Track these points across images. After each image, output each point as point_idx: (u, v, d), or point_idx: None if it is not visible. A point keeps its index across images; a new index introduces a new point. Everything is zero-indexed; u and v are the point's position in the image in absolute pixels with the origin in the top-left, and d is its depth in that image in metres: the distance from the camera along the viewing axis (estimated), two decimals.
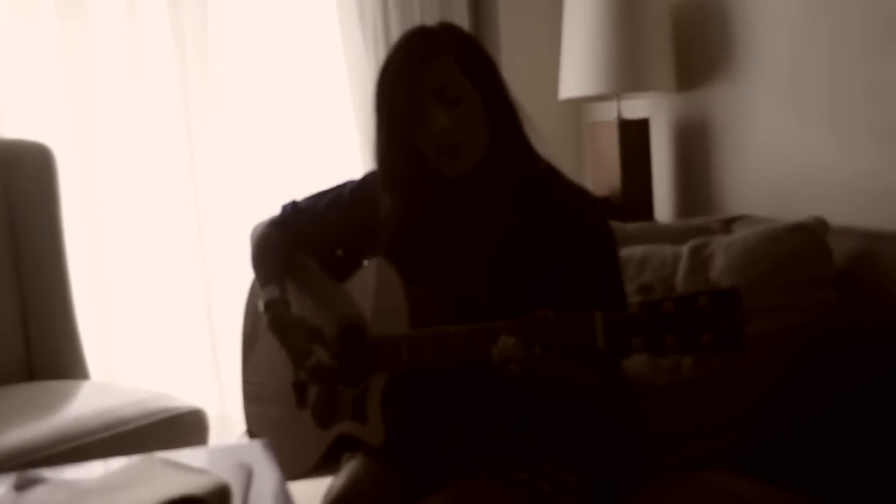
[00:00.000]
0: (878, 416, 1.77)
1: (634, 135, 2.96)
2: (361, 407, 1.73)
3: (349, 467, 1.73)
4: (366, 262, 1.88)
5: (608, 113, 3.11)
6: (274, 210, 2.02)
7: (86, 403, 2.54)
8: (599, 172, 3.07)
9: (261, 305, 1.82)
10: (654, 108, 3.09)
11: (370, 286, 1.77)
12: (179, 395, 2.68)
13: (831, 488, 1.74)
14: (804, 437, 1.82)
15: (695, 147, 2.96)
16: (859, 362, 1.87)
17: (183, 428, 2.53)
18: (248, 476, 1.40)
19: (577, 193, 1.77)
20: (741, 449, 1.88)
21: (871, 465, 1.74)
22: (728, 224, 2.47)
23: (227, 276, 3.29)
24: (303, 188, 3.20)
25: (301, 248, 1.94)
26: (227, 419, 3.27)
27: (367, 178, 1.90)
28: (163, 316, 3.29)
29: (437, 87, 1.66)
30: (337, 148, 3.43)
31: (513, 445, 1.70)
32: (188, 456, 1.55)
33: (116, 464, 1.55)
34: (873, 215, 2.26)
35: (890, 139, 2.24)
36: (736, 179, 2.79)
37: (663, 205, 3.07)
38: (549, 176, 1.79)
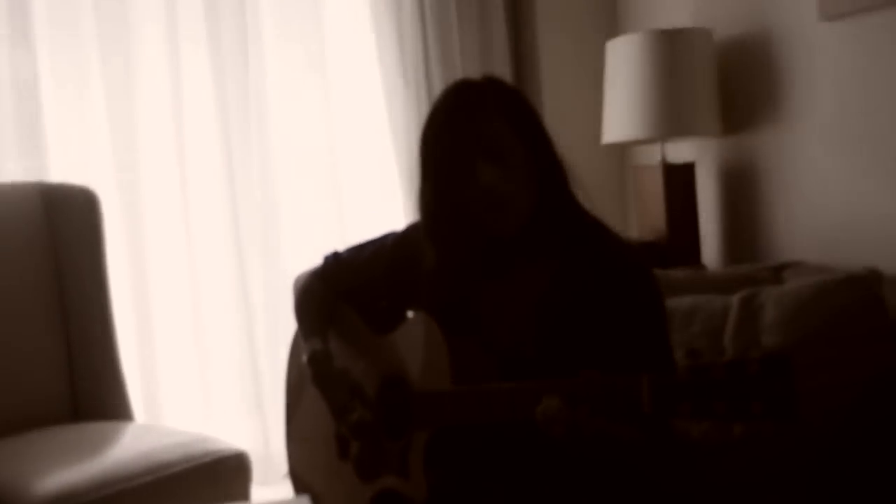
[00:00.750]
0: None
1: (680, 179, 2.93)
2: (405, 462, 1.72)
3: None
4: (409, 314, 1.87)
5: (652, 156, 3.08)
6: (317, 259, 2.01)
7: (128, 447, 2.55)
8: (644, 216, 3.03)
9: (304, 358, 1.81)
10: (700, 152, 3.05)
11: (413, 340, 1.76)
12: (223, 435, 2.68)
13: None
14: (860, 498, 1.76)
15: (742, 191, 2.92)
16: None
17: (225, 471, 2.53)
18: None
19: (623, 248, 1.74)
20: None
21: None
22: (778, 272, 2.42)
23: (270, 318, 3.29)
24: (346, 235, 3.24)
25: (344, 300, 1.93)
26: (271, 459, 3.26)
27: (410, 230, 1.89)
28: (207, 355, 3.30)
29: (483, 143, 1.64)
30: (379, 197, 3.43)
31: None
32: None
33: None
34: None
35: None
36: (784, 225, 2.75)
37: (711, 249, 3.03)
38: (596, 231, 1.76)
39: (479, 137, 1.64)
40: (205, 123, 3.28)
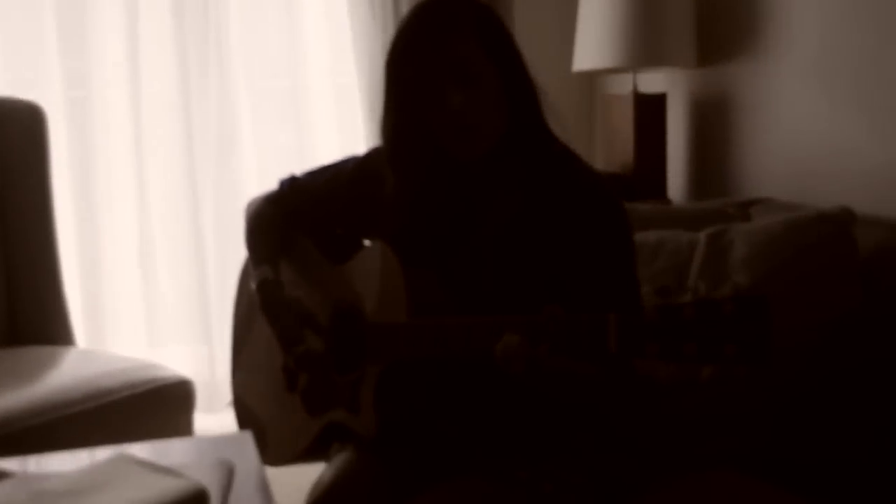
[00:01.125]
0: None
1: (650, 110, 2.85)
2: (355, 396, 1.64)
3: (339, 460, 1.64)
4: (366, 243, 1.78)
5: (623, 86, 2.98)
6: (271, 182, 1.90)
7: (69, 372, 2.46)
8: (612, 147, 2.95)
9: (253, 286, 1.71)
10: (672, 83, 2.96)
11: (369, 270, 1.67)
12: (167, 362, 2.60)
13: (842, 494, 1.65)
14: (819, 440, 1.72)
15: (713, 125, 2.84)
16: (882, 362, 1.77)
17: (169, 399, 2.46)
18: (229, 476, 1.31)
19: (592, 179, 1.65)
20: (753, 451, 1.78)
21: (888, 471, 1.65)
22: (745, 207, 2.36)
23: (220, 244, 3.20)
24: (304, 164, 3.13)
25: (298, 226, 1.83)
26: (217, 386, 3.20)
27: (371, 155, 1.79)
28: (153, 280, 3.20)
29: (454, 65, 1.53)
30: (339, 126, 3.31)
31: (512, 442, 1.61)
32: (169, 449, 1.45)
33: (99, 454, 1.47)
34: None
35: None
36: (755, 160, 2.68)
37: (677, 183, 2.96)
38: (565, 160, 1.67)
39: (449, 59, 1.54)
40: (161, 43, 3.15)
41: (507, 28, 1.64)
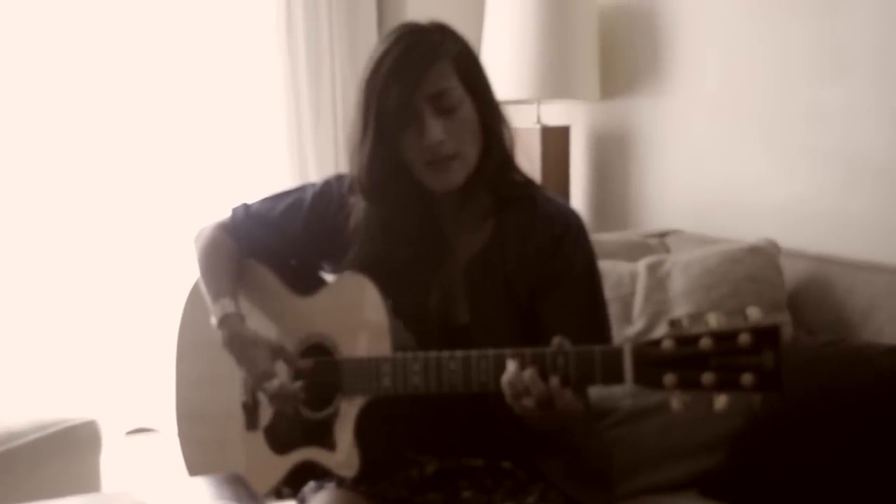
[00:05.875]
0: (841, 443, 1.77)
1: (555, 142, 2.90)
2: (328, 432, 1.60)
3: (320, 500, 1.58)
4: (328, 276, 1.75)
5: (526, 118, 3.02)
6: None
7: None
8: None
9: (213, 321, 1.64)
10: (574, 115, 3.03)
11: (343, 302, 1.63)
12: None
13: None
14: (771, 463, 1.79)
15: (615, 158, 2.92)
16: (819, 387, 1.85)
17: (77, 440, 2.32)
18: None
19: (562, 211, 1.69)
20: (708, 475, 1.85)
21: (833, 489, 1.73)
22: (661, 238, 2.45)
23: (79, 270, 3.05)
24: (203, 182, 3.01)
25: (254, 255, 1.77)
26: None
27: (332, 183, 1.76)
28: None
29: (434, 95, 1.54)
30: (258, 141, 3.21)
31: (491, 474, 1.61)
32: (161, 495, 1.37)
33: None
34: (806, 237, 2.26)
35: (826, 163, 2.26)
36: (655, 193, 2.77)
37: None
38: (532, 191, 1.70)
39: (430, 89, 1.55)
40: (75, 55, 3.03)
41: (481, 61, 1.66)
